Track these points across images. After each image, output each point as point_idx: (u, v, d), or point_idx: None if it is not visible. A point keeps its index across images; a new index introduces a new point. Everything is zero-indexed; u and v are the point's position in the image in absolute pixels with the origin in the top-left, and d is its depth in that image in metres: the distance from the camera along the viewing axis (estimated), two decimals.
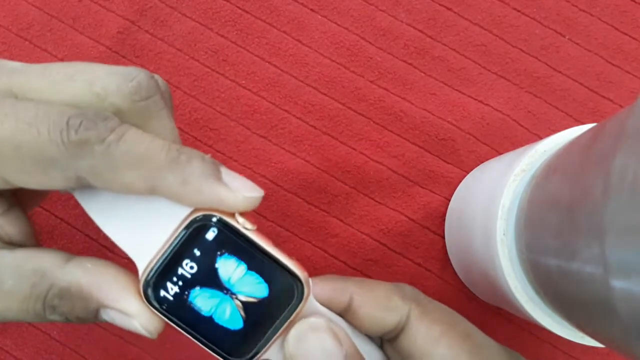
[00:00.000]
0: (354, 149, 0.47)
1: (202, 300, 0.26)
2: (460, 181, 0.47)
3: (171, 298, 0.26)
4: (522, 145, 0.40)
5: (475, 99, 0.48)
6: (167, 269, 0.26)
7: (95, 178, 0.26)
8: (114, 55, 0.48)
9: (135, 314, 0.27)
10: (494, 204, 0.35)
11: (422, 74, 0.48)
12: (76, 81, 0.27)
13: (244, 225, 0.26)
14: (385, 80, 0.48)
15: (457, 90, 0.48)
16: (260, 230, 0.28)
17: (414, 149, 0.48)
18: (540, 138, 0.35)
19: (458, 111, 0.48)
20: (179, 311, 0.27)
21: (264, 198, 0.28)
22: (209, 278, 0.26)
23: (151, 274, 0.26)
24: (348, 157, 0.47)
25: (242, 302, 0.26)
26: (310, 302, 0.29)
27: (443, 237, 0.47)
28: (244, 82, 0.47)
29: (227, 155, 0.47)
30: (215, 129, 0.47)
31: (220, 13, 0.48)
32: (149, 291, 0.26)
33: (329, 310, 0.30)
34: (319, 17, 0.48)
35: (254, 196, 0.27)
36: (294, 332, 0.28)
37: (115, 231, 0.27)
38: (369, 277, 0.46)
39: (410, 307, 0.31)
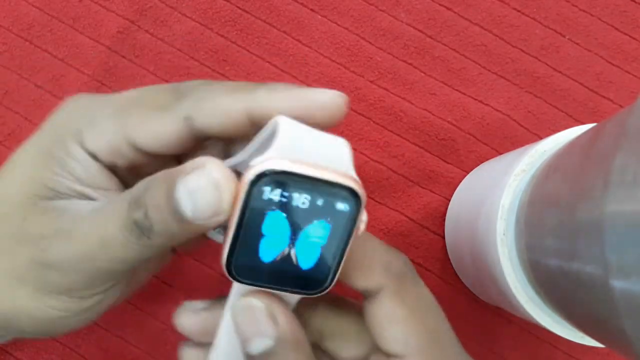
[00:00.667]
0: (354, 149, 0.47)
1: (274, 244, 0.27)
2: (461, 181, 0.47)
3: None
4: (522, 145, 0.40)
5: (476, 99, 0.48)
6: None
7: (198, 110, 0.29)
8: (114, 55, 0.48)
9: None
10: (494, 204, 0.35)
11: (422, 74, 0.48)
12: None
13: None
14: (385, 80, 0.48)
15: (457, 90, 0.48)
16: None
17: (414, 149, 0.48)
18: (540, 138, 0.35)
19: (458, 111, 0.48)
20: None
21: None
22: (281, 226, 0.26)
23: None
24: None
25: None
26: None
27: (443, 237, 0.47)
28: None
29: None
30: None
31: (220, 13, 0.48)
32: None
33: None
34: (319, 17, 0.48)
35: (337, 92, 0.28)
36: (236, 305, 0.29)
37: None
38: None
39: (385, 283, 0.30)
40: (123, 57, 0.48)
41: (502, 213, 0.34)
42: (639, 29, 0.49)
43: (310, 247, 0.27)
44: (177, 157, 0.33)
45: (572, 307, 0.29)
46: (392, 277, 0.31)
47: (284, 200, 0.25)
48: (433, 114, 0.48)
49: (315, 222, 0.26)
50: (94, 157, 0.30)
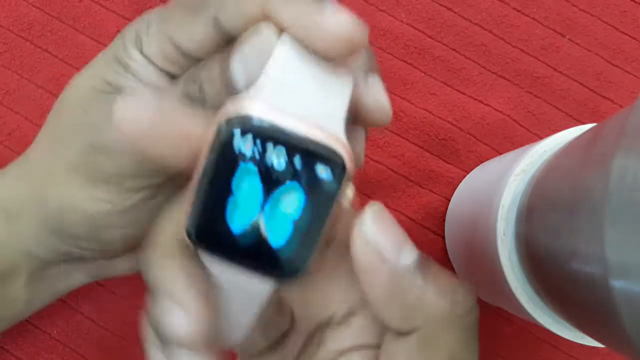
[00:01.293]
0: None
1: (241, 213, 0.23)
2: (461, 181, 0.47)
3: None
4: (522, 145, 0.40)
5: (476, 99, 0.48)
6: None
7: (222, 11, 0.27)
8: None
9: None
10: (494, 204, 0.35)
11: (422, 74, 0.48)
12: None
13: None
14: (385, 80, 0.47)
15: (457, 90, 0.48)
16: None
17: (414, 148, 0.48)
18: (540, 138, 0.35)
19: (458, 111, 0.48)
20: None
21: None
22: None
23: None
24: None
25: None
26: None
27: (443, 237, 0.47)
28: None
29: None
30: None
31: None
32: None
33: None
34: None
35: (352, 21, 0.24)
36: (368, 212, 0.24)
37: None
38: None
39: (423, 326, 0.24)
40: None
41: (502, 213, 0.34)
42: (639, 29, 0.49)
43: (281, 219, 0.23)
44: None
45: (572, 307, 0.29)
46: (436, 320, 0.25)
47: (256, 153, 0.22)
48: (433, 114, 0.48)
49: (289, 183, 0.22)
50: (151, 61, 0.31)
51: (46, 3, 0.48)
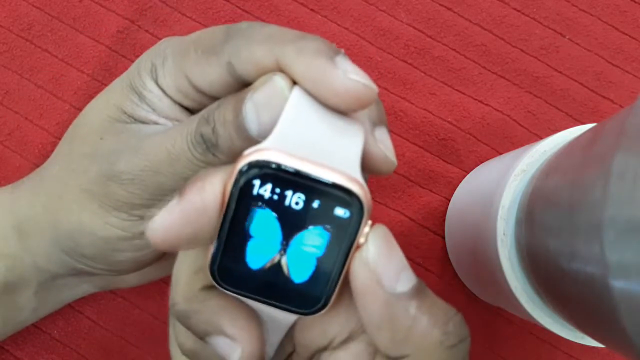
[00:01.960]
0: None
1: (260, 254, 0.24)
2: (461, 181, 0.47)
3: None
4: (522, 145, 0.40)
5: (476, 99, 0.48)
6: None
7: (236, 57, 0.28)
8: (114, 54, 0.48)
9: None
10: (494, 204, 0.35)
11: (422, 74, 0.48)
12: None
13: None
14: (385, 80, 0.48)
15: (457, 90, 0.48)
16: None
17: (414, 148, 0.48)
18: (540, 138, 0.35)
19: (458, 111, 0.48)
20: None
21: None
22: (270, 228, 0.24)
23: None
24: None
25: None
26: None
27: (443, 237, 0.47)
28: None
29: None
30: None
31: (220, 13, 0.48)
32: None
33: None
34: (319, 17, 0.48)
35: (362, 81, 0.25)
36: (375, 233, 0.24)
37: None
38: None
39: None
40: (123, 56, 0.48)
41: (502, 213, 0.34)
42: (639, 29, 0.49)
43: (304, 257, 0.24)
44: None
45: (572, 307, 0.29)
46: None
47: (275, 197, 0.23)
48: (433, 114, 0.48)
49: (312, 228, 0.23)
50: (166, 93, 0.32)
51: (46, 3, 0.48)
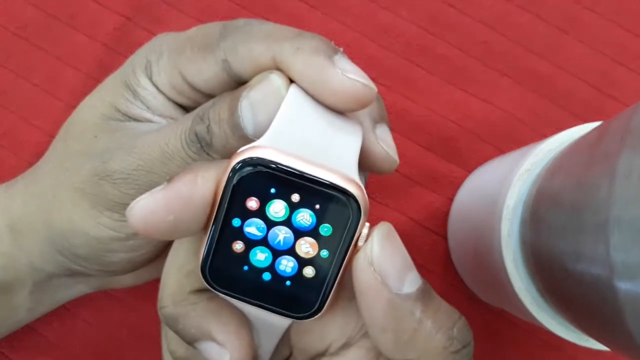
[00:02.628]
0: None
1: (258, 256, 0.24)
2: (464, 181, 0.47)
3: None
4: (526, 145, 0.40)
5: (479, 98, 0.48)
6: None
7: (233, 54, 0.28)
8: (110, 52, 0.48)
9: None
10: (497, 204, 0.35)
11: (425, 72, 0.48)
12: None
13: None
14: (387, 79, 0.48)
15: (460, 88, 0.48)
16: None
17: (416, 148, 0.47)
18: (545, 137, 0.35)
19: (461, 110, 0.48)
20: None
21: None
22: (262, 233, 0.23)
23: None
24: None
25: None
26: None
27: (446, 238, 0.47)
28: None
29: None
30: None
31: (218, 10, 0.48)
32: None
33: None
34: (320, 14, 0.48)
35: (360, 80, 0.25)
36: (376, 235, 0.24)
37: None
38: None
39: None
40: (120, 54, 0.48)
41: (506, 213, 0.34)
42: None
43: (298, 259, 0.23)
44: None
45: (576, 309, 0.29)
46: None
47: (270, 197, 0.22)
48: (436, 113, 0.48)
49: (307, 229, 0.23)
50: (160, 91, 0.32)
51: (42, 1, 0.48)
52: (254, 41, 0.28)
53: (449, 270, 0.47)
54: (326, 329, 0.27)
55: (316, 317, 0.24)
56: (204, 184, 0.23)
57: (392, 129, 0.47)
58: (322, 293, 0.24)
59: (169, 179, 0.23)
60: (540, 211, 0.31)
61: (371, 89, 0.25)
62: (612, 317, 0.23)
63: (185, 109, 0.32)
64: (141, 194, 0.30)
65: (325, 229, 0.23)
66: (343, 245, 0.23)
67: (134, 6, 0.48)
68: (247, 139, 0.27)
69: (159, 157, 0.29)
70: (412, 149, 0.47)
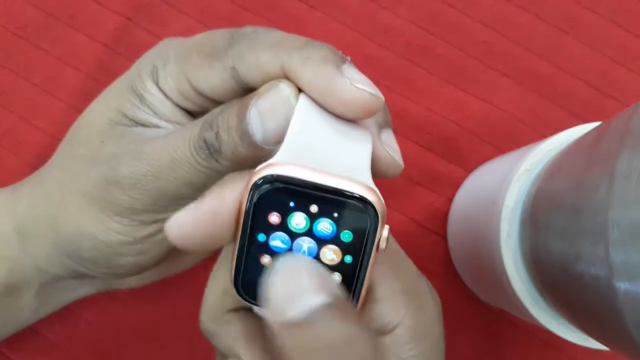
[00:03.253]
0: None
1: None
2: (464, 181, 0.47)
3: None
4: (525, 145, 0.40)
5: (479, 98, 0.48)
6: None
7: (241, 62, 0.28)
8: (110, 52, 0.48)
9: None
10: (497, 205, 0.35)
11: (425, 72, 0.48)
12: None
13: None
14: (387, 79, 0.48)
15: (460, 88, 0.48)
16: None
17: (416, 148, 0.47)
18: (544, 137, 0.35)
19: (461, 110, 0.48)
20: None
21: None
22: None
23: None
24: None
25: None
26: None
27: (446, 238, 0.47)
28: None
29: None
30: None
31: (219, 10, 0.48)
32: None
33: None
34: (319, 14, 0.48)
35: (368, 90, 0.26)
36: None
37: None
38: None
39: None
40: (120, 54, 0.48)
41: (505, 214, 0.34)
42: None
43: (325, 267, 0.24)
44: None
45: (576, 309, 0.29)
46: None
47: (291, 210, 0.23)
48: (436, 113, 0.48)
49: (330, 238, 0.24)
50: (167, 96, 0.32)
51: (42, 1, 0.48)
52: (262, 49, 0.28)
53: (449, 270, 0.47)
54: None
55: None
56: (231, 199, 0.24)
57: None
58: (352, 297, 0.24)
59: (202, 195, 0.24)
60: (540, 211, 0.31)
61: (379, 99, 0.26)
62: (612, 317, 0.23)
63: (192, 114, 0.32)
64: (149, 198, 0.31)
65: (346, 236, 0.23)
66: (367, 250, 0.24)
67: (134, 6, 0.48)
68: (255, 146, 0.27)
69: (168, 163, 0.29)
70: (412, 149, 0.47)
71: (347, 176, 0.23)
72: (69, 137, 0.35)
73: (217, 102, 0.31)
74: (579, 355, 0.46)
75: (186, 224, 0.24)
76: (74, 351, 0.45)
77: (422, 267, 0.46)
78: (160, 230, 0.33)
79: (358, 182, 0.23)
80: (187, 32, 0.47)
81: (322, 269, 0.23)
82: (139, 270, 0.35)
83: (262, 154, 0.27)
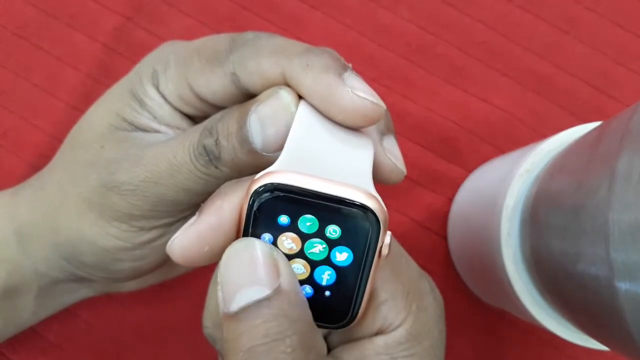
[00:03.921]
0: None
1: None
2: (464, 181, 0.47)
3: None
4: (525, 145, 0.40)
5: (479, 98, 0.48)
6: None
7: (242, 68, 0.28)
8: (110, 52, 0.48)
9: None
10: (497, 205, 0.35)
11: (425, 72, 0.48)
12: None
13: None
14: (387, 79, 0.48)
15: (460, 88, 0.48)
16: None
17: (416, 148, 0.47)
18: (544, 137, 0.35)
19: (461, 110, 0.48)
20: None
21: None
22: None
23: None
24: None
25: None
26: None
27: (446, 239, 0.47)
28: None
29: None
30: None
31: (219, 10, 0.48)
32: None
33: None
34: (319, 13, 0.48)
35: (370, 99, 0.26)
36: (226, 252, 0.24)
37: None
38: None
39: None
40: (120, 54, 0.48)
41: (506, 213, 0.34)
42: None
43: (327, 274, 0.24)
44: None
45: (576, 309, 0.29)
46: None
47: (292, 218, 0.23)
48: (436, 113, 0.48)
49: (331, 245, 0.24)
50: (167, 100, 0.32)
51: (42, 1, 0.48)
52: (263, 56, 0.28)
53: (449, 270, 0.47)
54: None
55: (352, 325, 0.25)
56: (230, 210, 0.24)
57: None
58: (355, 302, 0.25)
59: (200, 210, 0.24)
60: (540, 211, 0.31)
61: (380, 107, 0.26)
62: (612, 317, 0.23)
63: (192, 119, 0.32)
64: (148, 204, 0.31)
65: (350, 244, 0.23)
66: (369, 256, 0.24)
67: (134, 6, 0.48)
68: (255, 153, 0.27)
69: (167, 169, 0.29)
70: (412, 149, 0.47)
71: (348, 183, 0.23)
72: (69, 140, 0.35)
73: (217, 107, 0.31)
74: (579, 355, 0.46)
75: (187, 244, 0.25)
76: (73, 352, 0.45)
77: (423, 267, 0.46)
78: (159, 237, 0.33)
79: (359, 189, 0.23)
80: (187, 32, 0.48)
81: (276, 256, 0.23)
82: (138, 275, 0.35)
83: (262, 160, 0.27)
